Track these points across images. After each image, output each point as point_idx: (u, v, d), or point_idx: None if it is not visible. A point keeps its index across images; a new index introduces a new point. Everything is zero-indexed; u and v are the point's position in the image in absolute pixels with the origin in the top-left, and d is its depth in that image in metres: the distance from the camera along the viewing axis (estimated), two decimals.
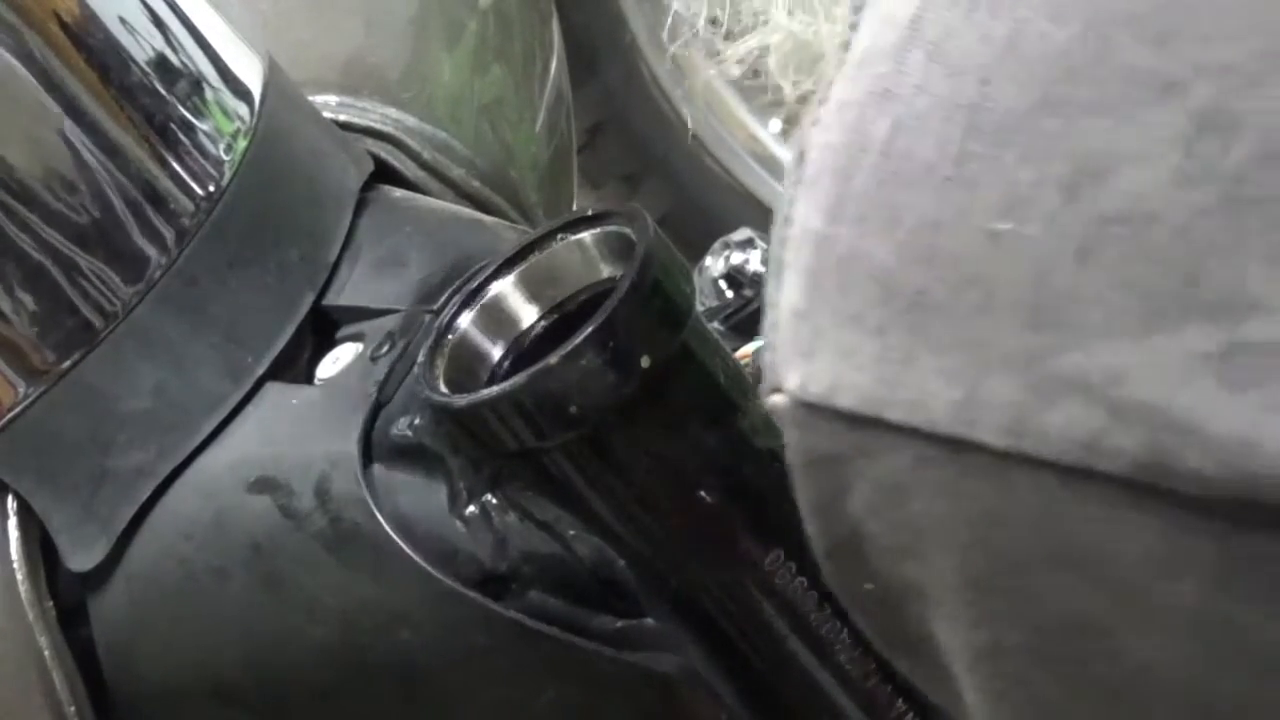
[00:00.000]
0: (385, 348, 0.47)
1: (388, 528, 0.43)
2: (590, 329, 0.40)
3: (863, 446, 0.29)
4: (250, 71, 0.50)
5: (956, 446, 0.27)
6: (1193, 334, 0.25)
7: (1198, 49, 0.26)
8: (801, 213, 0.30)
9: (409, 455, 0.44)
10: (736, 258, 0.59)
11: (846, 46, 0.30)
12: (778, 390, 0.30)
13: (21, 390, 0.44)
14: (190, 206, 0.46)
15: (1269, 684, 0.27)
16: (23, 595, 0.46)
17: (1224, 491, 0.25)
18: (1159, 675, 0.28)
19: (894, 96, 0.29)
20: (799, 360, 0.29)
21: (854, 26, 0.30)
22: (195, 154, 0.47)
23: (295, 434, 0.46)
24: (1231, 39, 0.26)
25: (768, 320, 0.30)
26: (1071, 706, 0.30)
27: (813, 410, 0.29)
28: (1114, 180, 0.26)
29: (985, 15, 0.28)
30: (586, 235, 0.45)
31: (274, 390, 0.47)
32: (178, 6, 0.49)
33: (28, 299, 0.44)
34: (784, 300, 0.30)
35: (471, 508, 0.43)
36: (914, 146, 0.28)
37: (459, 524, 0.43)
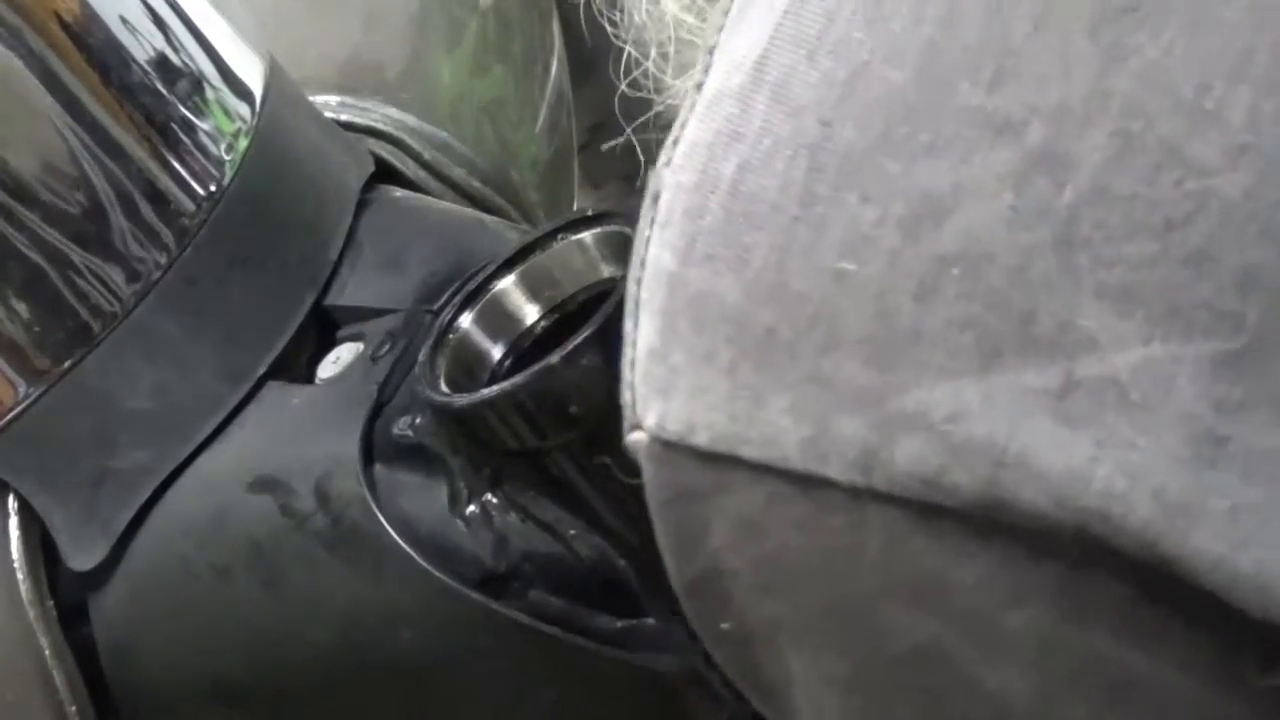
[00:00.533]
0: (386, 347, 0.47)
1: (388, 527, 0.43)
2: (591, 329, 0.40)
3: (720, 484, 0.29)
4: (251, 71, 0.50)
5: (809, 483, 0.28)
6: (1029, 372, 0.26)
7: (1031, 90, 0.27)
8: (655, 253, 0.30)
9: (410, 455, 0.44)
10: None
11: (700, 88, 0.31)
12: (636, 428, 0.30)
13: (22, 390, 0.44)
14: (191, 206, 0.46)
15: (1121, 708, 0.27)
16: (23, 595, 0.45)
17: (1058, 526, 0.26)
18: (1013, 704, 0.28)
19: (741, 137, 0.29)
20: (656, 399, 0.29)
21: (706, 69, 0.31)
22: (196, 153, 0.47)
23: (296, 434, 0.46)
24: (1063, 80, 0.26)
25: (625, 359, 0.30)
26: None
27: (670, 448, 0.29)
28: (951, 220, 0.27)
29: (827, 58, 0.28)
30: (586, 235, 0.45)
31: (274, 390, 0.47)
32: (179, 6, 0.49)
33: (28, 299, 0.44)
34: (640, 340, 0.30)
35: (472, 507, 0.43)
36: (760, 187, 0.29)
37: (460, 524, 0.43)
